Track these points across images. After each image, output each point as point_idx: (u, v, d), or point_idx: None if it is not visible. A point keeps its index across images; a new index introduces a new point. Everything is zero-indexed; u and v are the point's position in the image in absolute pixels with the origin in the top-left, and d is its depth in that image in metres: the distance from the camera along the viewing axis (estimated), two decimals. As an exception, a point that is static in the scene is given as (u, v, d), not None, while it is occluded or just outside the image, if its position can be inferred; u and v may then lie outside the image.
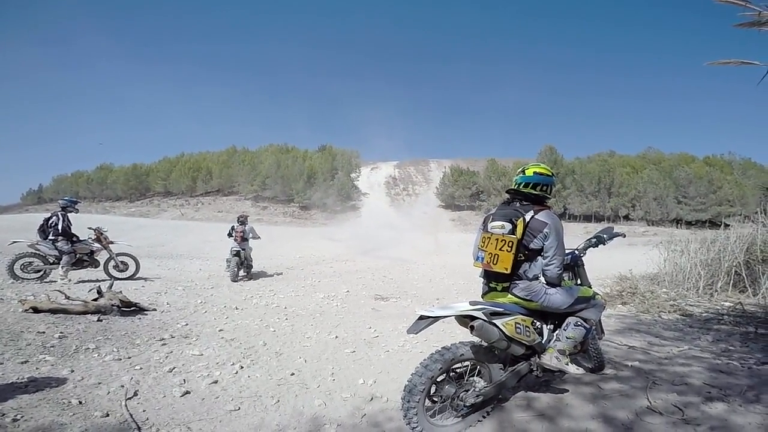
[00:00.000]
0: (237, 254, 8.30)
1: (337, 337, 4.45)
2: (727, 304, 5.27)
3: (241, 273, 8.51)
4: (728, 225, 7.49)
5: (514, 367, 2.41)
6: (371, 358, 3.78)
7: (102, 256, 7.60)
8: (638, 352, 3.47)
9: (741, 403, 2.39)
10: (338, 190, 39.12)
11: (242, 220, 8.92)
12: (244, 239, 8.61)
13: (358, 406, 2.81)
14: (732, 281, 5.97)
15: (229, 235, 8.78)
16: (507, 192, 2.53)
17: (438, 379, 2.24)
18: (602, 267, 7.26)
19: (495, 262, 2.32)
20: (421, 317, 2.20)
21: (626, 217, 35.62)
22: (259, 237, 8.99)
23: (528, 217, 2.30)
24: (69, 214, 7.22)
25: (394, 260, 13.08)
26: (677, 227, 30.16)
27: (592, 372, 2.96)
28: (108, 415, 2.50)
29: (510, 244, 2.28)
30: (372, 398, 2.93)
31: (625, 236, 3.34)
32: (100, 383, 2.94)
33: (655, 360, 3.25)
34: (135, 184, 45.96)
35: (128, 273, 7.70)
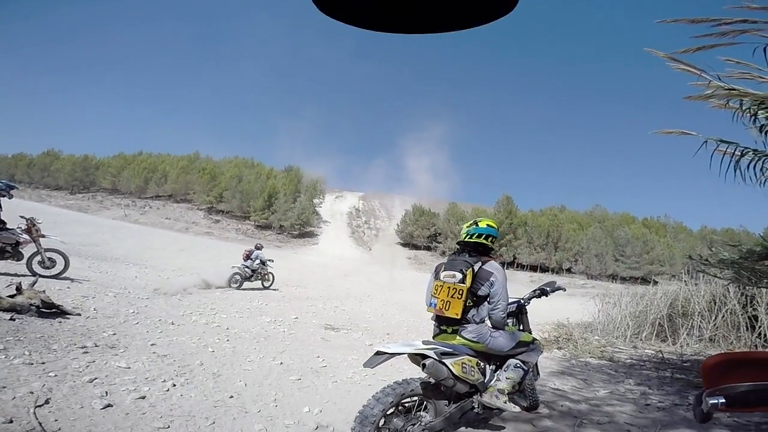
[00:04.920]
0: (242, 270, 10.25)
1: (282, 363, 4.28)
2: (648, 351, 5.85)
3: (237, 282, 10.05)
4: (657, 282, 8.47)
5: (458, 404, 2.50)
6: (318, 387, 3.68)
7: (28, 250, 6.82)
8: (570, 393, 3.72)
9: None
10: (298, 213, 38.50)
11: (258, 246, 11.12)
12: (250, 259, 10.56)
13: (300, 434, 2.71)
14: (656, 331, 6.65)
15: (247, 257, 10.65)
16: (458, 243, 2.80)
17: (388, 412, 2.28)
18: (543, 312, 7.70)
19: (447, 308, 2.54)
20: (378, 352, 2.28)
21: (569, 270, 38.30)
22: (266, 263, 10.82)
23: (477, 267, 2.57)
24: (1, 199, 6.50)
25: (348, 291, 12.92)
26: (613, 282, 32.84)
27: (528, 410, 3.12)
28: (12, 422, 2.22)
29: (461, 292, 2.51)
30: (317, 427, 2.85)
31: (565, 290, 3.68)
32: (4, 387, 2.61)
33: (584, 400, 3.51)
34: (81, 175, 42.48)
35: (54, 271, 6.91)
